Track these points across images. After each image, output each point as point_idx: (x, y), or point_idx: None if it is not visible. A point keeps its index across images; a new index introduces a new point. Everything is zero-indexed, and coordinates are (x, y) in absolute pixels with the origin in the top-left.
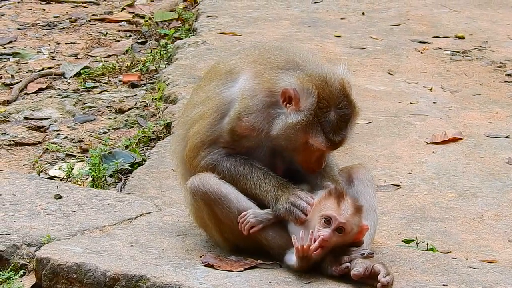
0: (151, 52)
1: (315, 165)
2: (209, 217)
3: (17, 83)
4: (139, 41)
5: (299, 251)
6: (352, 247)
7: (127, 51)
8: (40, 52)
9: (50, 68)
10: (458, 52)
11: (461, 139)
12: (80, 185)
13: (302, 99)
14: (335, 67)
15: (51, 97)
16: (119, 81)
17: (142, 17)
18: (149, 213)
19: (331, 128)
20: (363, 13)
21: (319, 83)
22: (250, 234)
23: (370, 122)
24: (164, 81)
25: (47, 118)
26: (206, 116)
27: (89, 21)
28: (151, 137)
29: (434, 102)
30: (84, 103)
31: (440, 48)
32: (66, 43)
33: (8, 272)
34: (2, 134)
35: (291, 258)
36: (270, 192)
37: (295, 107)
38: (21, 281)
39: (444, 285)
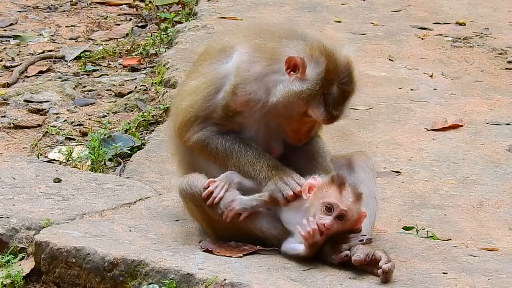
0: (151, 36)
1: (304, 136)
2: (201, 217)
3: (17, 65)
4: (140, 24)
5: (308, 238)
6: (350, 234)
7: (127, 34)
8: (40, 35)
9: (50, 51)
10: (459, 38)
11: (461, 126)
12: (79, 168)
13: (308, 68)
14: (342, 46)
15: (51, 80)
16: (119, 64)
17: (142, 0)
18: (148, 197)
19: (332, 101)
20: None
21: (327, 54)
22: (241, 227)
23: (370, 108)
24: (164, 65)
25: (47, 101)
26: (200, 90)
27: (90, 4)
28: (151, 121)
29: (434, 89)
30: (84, 87)
31: (440, 35)
32: (66, 26)
33: (7, 256)
34: (2, 116)
35: (293, 247)
36: (263, 172)
37: (301, 75)
38: (20, 265)
39: (444, 273)
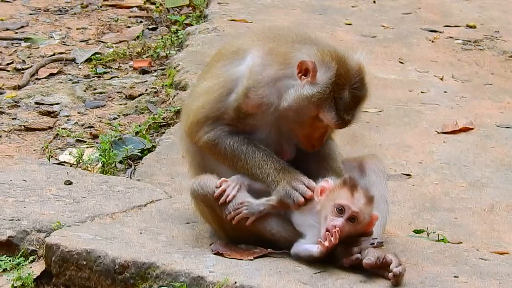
0: (162, 38)
1: (317, 142)
2: (213, 218)
3: (28, 68)
4: (150, 27)
5: (327, 248)
6: (361, 237)
7: (138, 37)
8: (51, 37)
9: (61, 53)
10: (470, 41)
11: (472, 129)
12: (90, 171)
13: (319, 72)
14: (354, 52)
15: (61, 82)
16: (129, 67)
17: (153, 3)
18: (159, 200)
19: (344, 106)
20: (374, 1)
21: (338, 59)
22: (251, 229)
23: (380, 111)
24: (174, 68)
25: (57, 104)
26: (212, 91)
27: (100, 6)
28: (161, 124)
29: (445, 92)
30: (95, 89)
31: (451, 37)
32: (77, 29)
33: (18, 258)
34: (13, 119)
35: (307, 248)
36: (271, 175)
37: (311, 80)
38: (30, 267)
39: (455, 276)
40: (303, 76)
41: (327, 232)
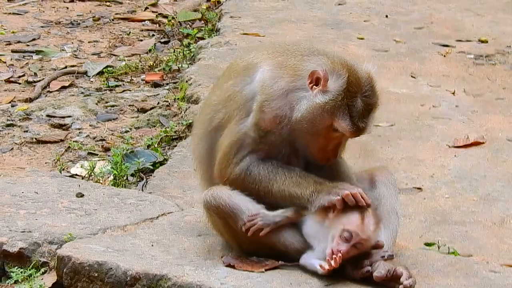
0: (174, 51)
1: (331, 153)
2: (225, 230)
3: (39, 80)
4: (162, 40)
5: (329, 271)
6: (372, 249)
7: (150, 50)
8: (63, 50)
9: (73, 66)
10: (481, 56)
11: (483, 143)
12: (101, 183)
13: (330, 80)
14: (361, 63)
15: (73, 95)
16: (141, 80)
17: (165, 16)
18: (171, 212)
19: (357, 113)
20: (387, 16)
21: (348, 68)
22: (264, 240)
23: (392, 125)
24: (186, 81)
25: (69, 116)
26: (231, 117)
27: (112, 20)
28: (173, 137)
29: (456, 106)
30: (107, 102)
31: (463, 52)
32: (89, 42)
33: (30, 270)
34: (24, 131)
35: (312, 263)
36: (311, 187)
37: (322, 88)
38: (42, 279)
39: None
40: (314, 86)
41: (329, 257)
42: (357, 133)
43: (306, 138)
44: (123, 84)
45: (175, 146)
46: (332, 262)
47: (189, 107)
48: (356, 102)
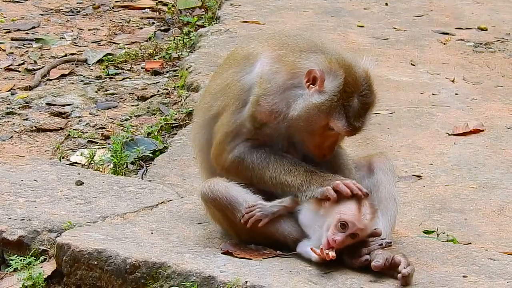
0: (174, 39)
1: (327, 151)
2: (224, 220)
3: (39, 69)
4: (162, 28)
5: (320, 258)
6: (369, 237)
7: (150, 38)
8: (63, 38)
9: (72, 54)
10: (481, 43)
11: (482, 130)
12: (101, 171)
13: (327, 80)
14: (359, 58)
15: (73, 83)
16: (141, 68)
17: (165, 4)
18: (171, 200)
19: (353, 113)
20: (386, 4)
21: (346, 67)
22: (263, 231)
23: (392, 113)
24: (186, 69)
25: (69, 104)
26: (228, 106)
27: (112, 7)
28: (173, 125)
29: (456, 94)
30: (107, 90)
31: (462, 40)
32: (89, 30)
33: (29, 258)
34: (24, 119)
35: (307, 251)
36: (301, 176)
37: (319, 88)
38: (41, 267)
39: (464, 276)
40: (311, 85)
41: (324, 246)
42: (353, 132)
43: (302, 135)
44: (123, 72)
45: (175, 134)
46: (329, 253)
47: (189, 95)
48: (353, 102)
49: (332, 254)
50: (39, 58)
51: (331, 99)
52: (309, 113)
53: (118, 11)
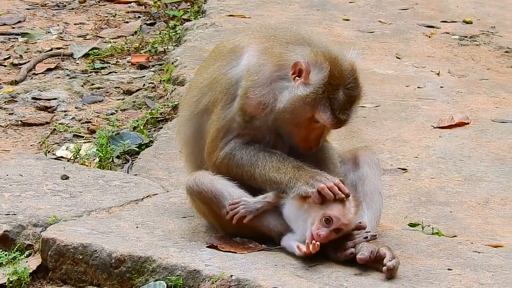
0: (159, 33)
1: (313, 143)
2: (210, 214)
3: (25, 63)
4: (148, 22)
5: (305, 253)
6: (354, 230)
7: (135, 32)
8: (48, 32)
9: (58, 48)
10: (466, 37)
11: (467, 123)
12: (87, 166)
13: (312, 72)
14: (346, 51)
15: (59, 77)
16: (127, 62)
17: None
18: (156, 194)
19: (339, 106)
20: None
21: (332, 60)
22: (248, 224)
23: (377, 106)
24: (172, 63)
25: (55, 99)
26: (217, 102)
27: (98, 1)
28: (159, 119)
29: (441, 87)
30: (92, 84)
31: (447, 33)
32: (75, 24)
33: (14, 253)
34: (10, 114)
35: (291, 245)
36: (289, 173)
37: (304, 80)
38: (26, 262)
39: (449, 269)
40: (296, 78)
41: (308, 240)
42: (338, 124)
43: (288, 128)
44: (109, 66)
45: (161, 128)
46: (310, 247)
47: (175, 88)
48: (338, 95)
49: (316, 244)
50: (25, 52)
51: (316, 91)
52: (294, 105)
53: (104, 5)
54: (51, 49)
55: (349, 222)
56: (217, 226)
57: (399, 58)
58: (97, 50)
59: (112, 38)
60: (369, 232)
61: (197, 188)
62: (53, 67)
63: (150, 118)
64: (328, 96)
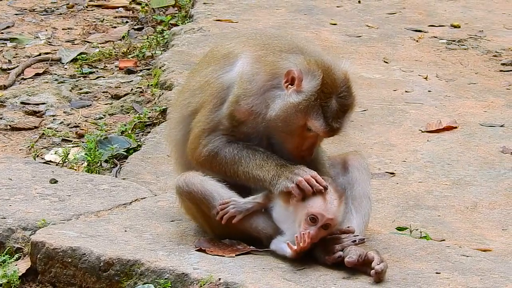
0: (147, 38)
1: (306, 152)
2: (199, 215)
3: (14, 68)
4: (136, 27)
5: (298, 253)
6: (343, 234)
7: (123, 37)
8: (37, 37)
9: (47, 53)
10: (454, 41)
11: (455, 127)
12: (75, 170)
13: (305, 80)
14: (339, 60)
15: (47, 82)
16: (115, 67)
17: (139, 3)
18: (144, 198)
19: (331, 114)
20: (359, 1)
21: (324, 68)
22: (237, 226)
23: (365, 110)
24: (160, 67)
25: (43, 103)
26: (206, 103)
27: (86, 7)
28: (147, 123)
29: (429, 91)
30: (81, 89)
31: (435, 37)
32: (63, 29)
33: (3, 256)
34: None
35: (282, 247)
36: (272, 170)
37: (297, 88)
38: (16, 265)
39: (437, 273)
40: (289, 86)
41: (298, 237)
42: (330, 133)
43: (281, 136)
44: (97, 71)
45: (149, 132)
46: (301, 242)
47: (162, 93)
48: (331, 103)
49: (307, 240)
50: (14, 57)
51: (308, 99)
52: (287, 113)
53: (92, 10)
54: (40, 54)
55: (334, 216)
56: (206, 227)
57: (386, 62)
58: (85, 55)
59: (100, 43)
60: (358, 235)
61: (187, 188)
62: (41, 72)
63: (138, 122)
64: (321, 104)
